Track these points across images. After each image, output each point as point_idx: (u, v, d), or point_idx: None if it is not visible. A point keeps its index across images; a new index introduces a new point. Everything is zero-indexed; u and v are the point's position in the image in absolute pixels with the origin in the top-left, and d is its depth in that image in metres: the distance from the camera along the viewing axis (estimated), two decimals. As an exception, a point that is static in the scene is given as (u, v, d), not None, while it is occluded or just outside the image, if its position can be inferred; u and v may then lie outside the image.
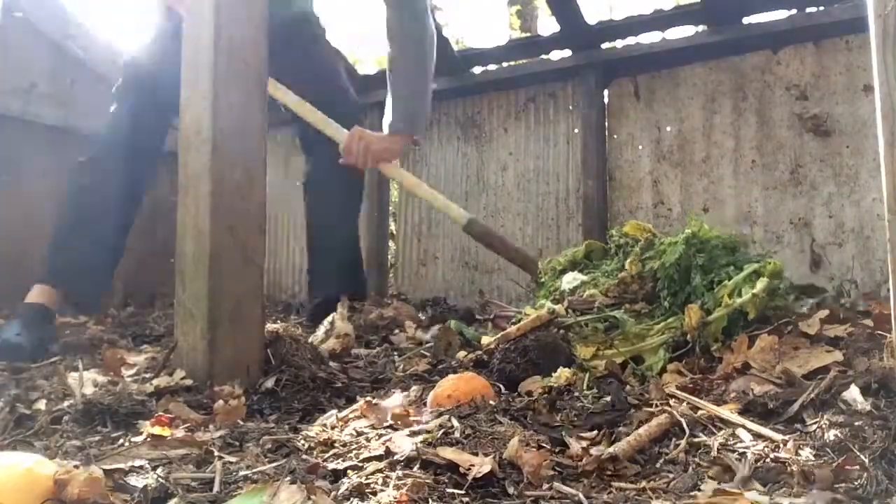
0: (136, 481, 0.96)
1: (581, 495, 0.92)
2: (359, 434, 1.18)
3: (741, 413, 1.22)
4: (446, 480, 0.95)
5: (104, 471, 0.91)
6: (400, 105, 2.52)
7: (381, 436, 1.15)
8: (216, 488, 0.96)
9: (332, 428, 1.24)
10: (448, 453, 1.01)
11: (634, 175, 3.34)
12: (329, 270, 2.70)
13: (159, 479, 0.96)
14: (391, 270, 4.38)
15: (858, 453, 0.97)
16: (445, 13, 13.36)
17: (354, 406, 1.36)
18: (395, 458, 1.01)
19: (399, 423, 1.22)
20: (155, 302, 3.53)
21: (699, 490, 0.93)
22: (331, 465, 1.01)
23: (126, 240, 2.44)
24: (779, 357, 1.46)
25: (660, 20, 3.26)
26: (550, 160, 3.56)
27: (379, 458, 1.02)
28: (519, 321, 1.80)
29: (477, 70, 3.79)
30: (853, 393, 1.21)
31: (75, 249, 2.28)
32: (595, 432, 1.17)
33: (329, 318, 2.04)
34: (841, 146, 2.90)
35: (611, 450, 1.05)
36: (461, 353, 1.88)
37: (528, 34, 7.16)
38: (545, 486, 0.95)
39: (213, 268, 1.56)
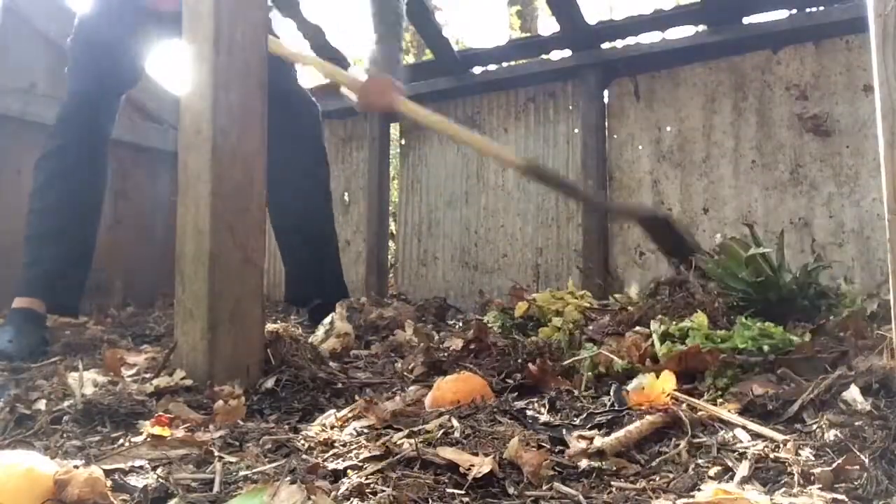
0: (136, 481, 0.96)
1: (581, 495, 0.92)
2: (359, 434, 1.18)
3: (741, 413, 1.22)
4: (446, 480, 0.95)
5: (104, 471, 0.91)
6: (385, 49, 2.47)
7: (381, 436, 1.15)
8: (216, 488, 0.96)
9: (332, 428, 1.24)
10: (448, 453, 1.01)
11: (634, 175, 3.35)
12: (301, 277, 2.61)
13: (159, 479, 0.96)
14: (391, 270, 4.38)
15: (858, 453, 0.97)
16: (445, 13, 13.38)
17: (354, 406, 1.36)
18: (395, 458, 1.01)
19: (399, 423, 1.22)
20: (155, 302, 3.53)
21: (699, 490, 0.93)
22: (331, 465, 1.01)
23: (96, 235, 2.36)
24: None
25: (660, 20, 3.26)
26: (550, 160, 3.56)
27: (379, 458, 1.02)
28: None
29: (477, 70, 3.79)
30: (853, 393, 1.21)
31: (46, 260, 2.23)
32: (595, 432, 1.17)
33: (329, 318, 2.04)
34: (841, 146, 2.90)
35: (598, 444, 1.05)
36: None
37: (528, 34, 7.17)
38: (545, 486, 0.95)
39: (213, 268, 1.56)
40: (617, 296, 2.36)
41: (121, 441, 1.20)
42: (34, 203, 2.29)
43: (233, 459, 1.07)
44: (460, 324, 2.70)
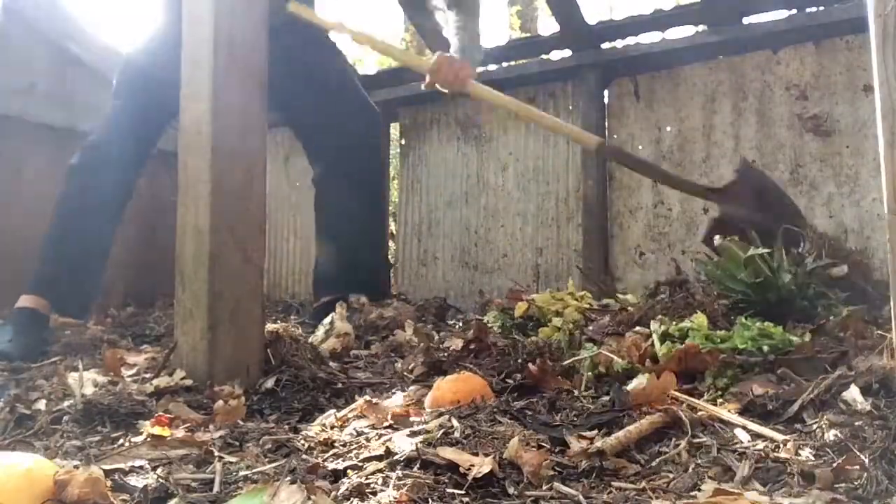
0: (136, 481, 0.96)
1: (581, 495, 0.92)
2: (359, 434, 1.18)
3: (741, 413, 1.22)
4: (446, 480, 0.95)
5: (104, 471, 0.91)
6: (465, 37, 2.57)
7: (381, 436, 1.15)
8: (216, 488, 0.96)
9: (332, 428, 1.24)
10: (448, 453, 1.01)
11: (634, 175, 3.34)
12: (336, 273, 2.65)
13: (159, 479, 0.96)
14: (391, 270, 4.37)
15: (858, 453, 0.97)
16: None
17: (354, 406, 1.36)
18: (395, 458, 1.01)
19: (399, 423, 1.22)
20: (155, 302, 3.53)
21: (699, 490, 0.93)
22: (331, 465, 1.01)
23: (111, 243, 2.40)
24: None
25: (660, 20, 3.26)
26: (550, 160, 3.56)
27: (379, 458, 1.02)
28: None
29: (477, 70, 3.78)
30: (853, 393, 1.21)
31: (61, 262, 2.26)
32: (595, 432, 1.17)
33: (329, 318, 2.04)
34: (841, 146, 2.90)
35: (598, 444, 1.05)
36: None
37: (529, 34, 7.17)
38: (545, 486, 0.95)
39: (213, 268, 1.56)
40: (617, 296, 2.36)
41: (121, 441, 1.20)
42: (61, 208, 2.32)
43: (233, 459, 1.07)
44: (460, 324, 2.70)
